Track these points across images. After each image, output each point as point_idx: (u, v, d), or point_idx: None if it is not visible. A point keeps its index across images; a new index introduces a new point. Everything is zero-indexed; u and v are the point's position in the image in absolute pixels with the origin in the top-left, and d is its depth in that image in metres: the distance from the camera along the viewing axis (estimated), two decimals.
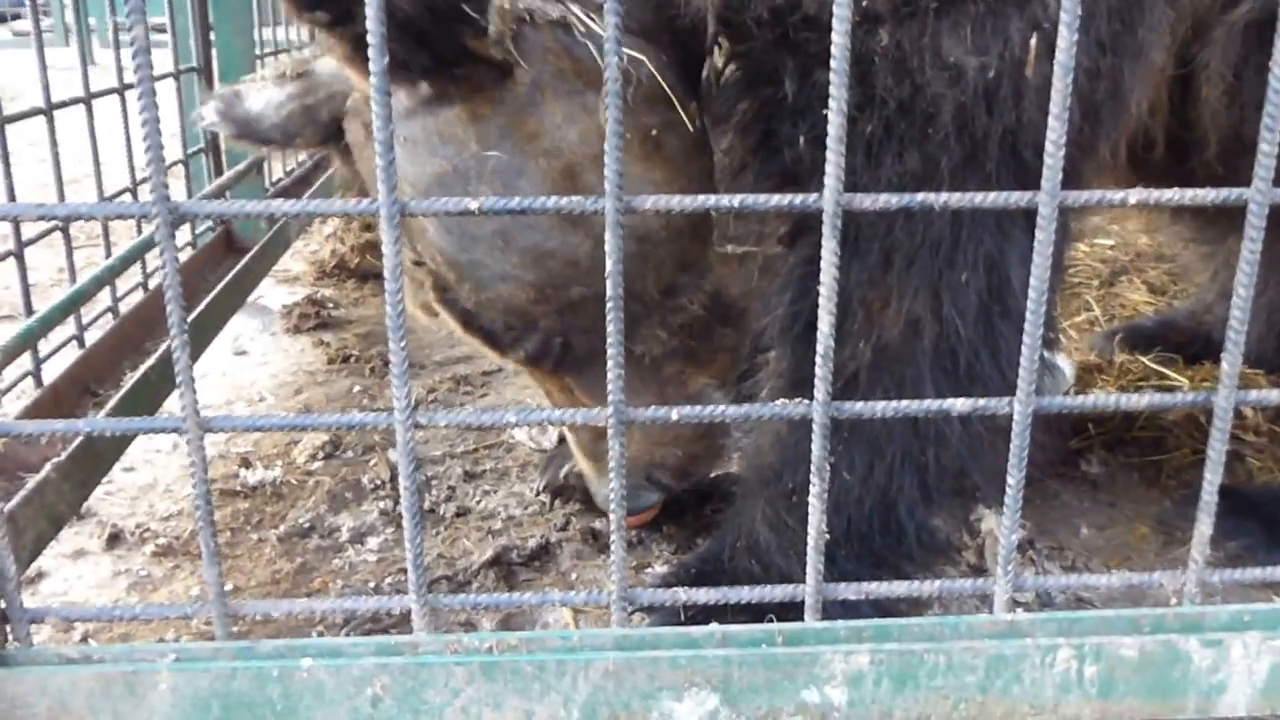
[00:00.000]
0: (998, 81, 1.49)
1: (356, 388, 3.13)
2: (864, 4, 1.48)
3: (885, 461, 1.70)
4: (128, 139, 2.52)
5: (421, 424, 1.06)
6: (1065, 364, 2.85)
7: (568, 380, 1.93)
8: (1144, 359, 3.03)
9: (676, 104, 1.69)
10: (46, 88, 2.07)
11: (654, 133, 1.69)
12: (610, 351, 1.04)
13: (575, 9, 1.62)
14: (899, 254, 1.61)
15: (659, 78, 1.66)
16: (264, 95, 1.80)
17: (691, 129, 1.73)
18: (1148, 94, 1.74)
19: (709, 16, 1.63)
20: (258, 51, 3.62)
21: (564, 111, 1.65)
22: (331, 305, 3.82)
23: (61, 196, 2.13)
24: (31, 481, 1.63)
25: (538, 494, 2.43)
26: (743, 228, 1.92)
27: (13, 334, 1.63)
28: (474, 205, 1.00)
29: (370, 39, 0.93)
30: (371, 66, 0.94)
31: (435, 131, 1.63)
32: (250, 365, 3.36)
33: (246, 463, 2.57)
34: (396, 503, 2.39)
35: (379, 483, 2.48)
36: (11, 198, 1.91)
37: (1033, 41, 1.46)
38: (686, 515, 2.32)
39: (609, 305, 1.02)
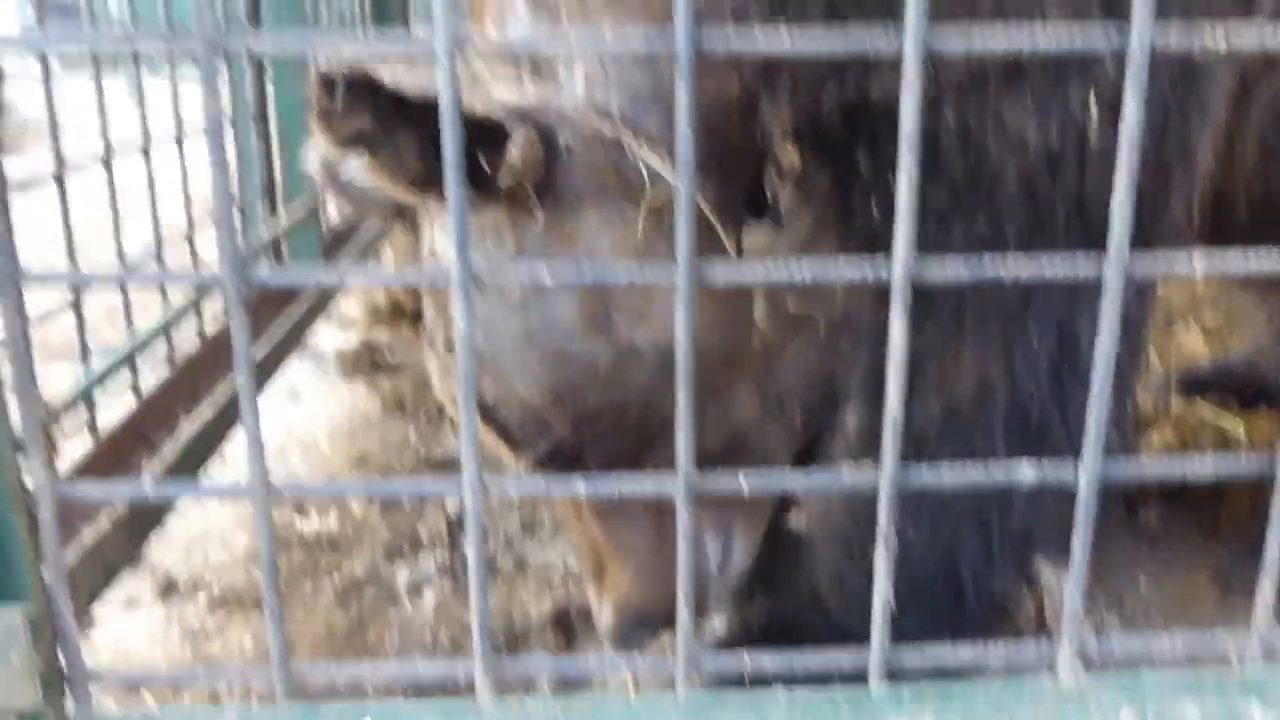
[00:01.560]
0: (1061, 149, 1.52)
1: (413, 435, 3.13)
2: (929, 92, 1.51)
3: (950, 523, 1.70)
4: (185, 184, 2.52)
5: (490, 490, 1.06)
6: None
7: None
8: (1201, 406, 3.01)
9: (720, 231, 1.72)
10: (107, 140, 2.09)
11: None
12: (681, 420, 1.04)
13: (629, 135, 1.64)
14: (970, 314, 1.63)
15: (703, 205, 1.67)
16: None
17: (735, 256, 1.76)
18: (1215, 149, 1.75)
19: (776, 134, 1.67)
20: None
21: (600, 219, 1.68)
22: (387, 349, 3.84)
23: (120, 248, 2.14)
24: (88, 534, 1.63)
25: None
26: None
27: (71, 389, 1.64)
28: (547, 276, 1.00)
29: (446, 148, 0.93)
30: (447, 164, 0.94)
31: (477, 226, 1.66)
32: (304, 410, 3.37)
33: (302, 510, 2.58)
34: (453, 555, 2.39)
35: (436, 534, 2.48)
36: (71, 251, 1.93)
37: (1093, 108, 1.48)
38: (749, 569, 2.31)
39: (679, 376, 1.02)
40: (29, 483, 1.00)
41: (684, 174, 0.96)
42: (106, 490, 1.06)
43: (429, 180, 1.52)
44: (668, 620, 1.89)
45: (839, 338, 2.01)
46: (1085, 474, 1.14)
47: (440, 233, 1.71)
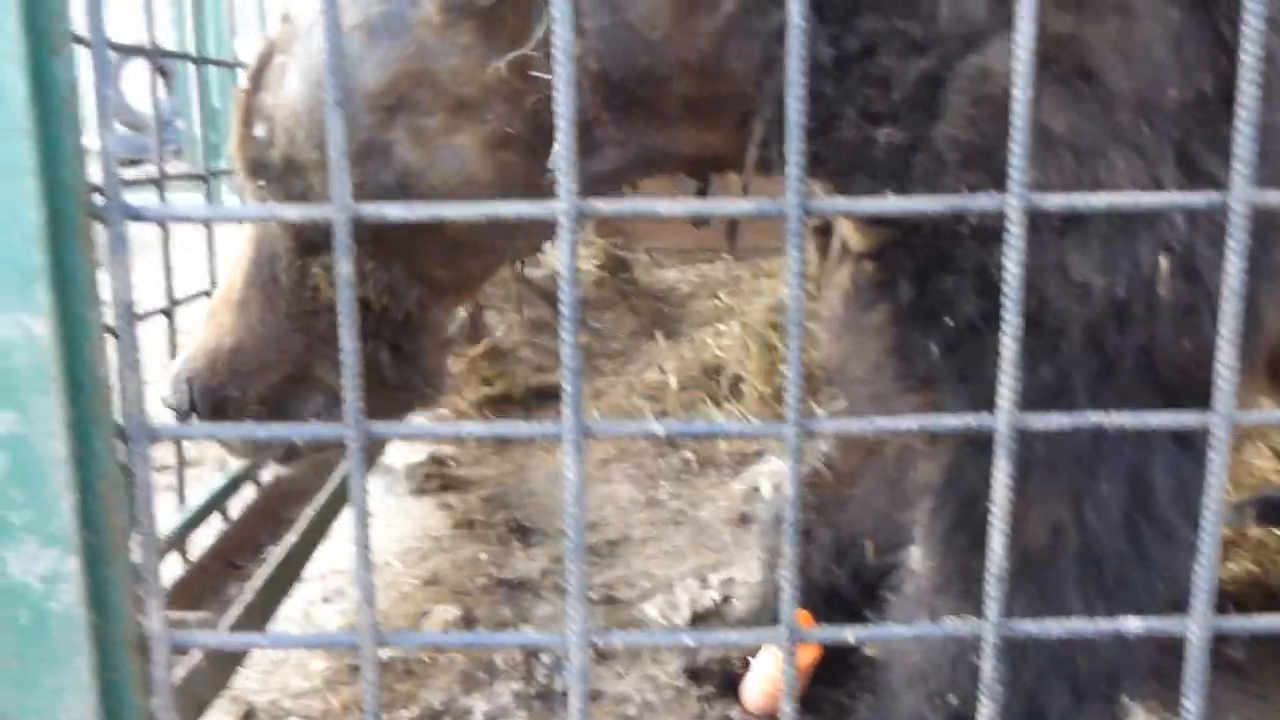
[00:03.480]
0: (1128, 299, 1.51)
1: (483, 555, 3.14)
2: (973, 221, 1.50)
3: (1032, 668, 1.67)
4: None
5: (597, 644, 1.06)
6: None
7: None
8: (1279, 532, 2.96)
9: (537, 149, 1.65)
10: (213, 276, 2.16)
11: (509, 133, 1.65)
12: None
13: None
14: (1038, 463, 1.60)
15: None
16: None
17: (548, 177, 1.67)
18: None
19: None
20: None
21: (469, 41, 1.61)
22: (454, 463, 3.85)
23: None
24: (181, 668, 1.65)
25: (674, 676, 2.40)
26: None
27: (176, 523, 1.68)
28: (660, 430, 1.01)
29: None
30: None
31: None
32: (376, 528, 3.38)
33: (386, 645, 2.58)
34: (529, 684, 2.38)
35: (512, 663, 2.46)
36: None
37: (1163, 261, 1.47)
38: (824, 704, 2.28)
39: (789, 521, 1.02)
40: (144, 627, 1.02)
41: (794, 335, 0.97)
42: (221, 640, 1.07)
43: None
44: (212, 406, 1.75)
45: (904, 472, 1.99)
46: (1195, 628, 1.12)
47: None
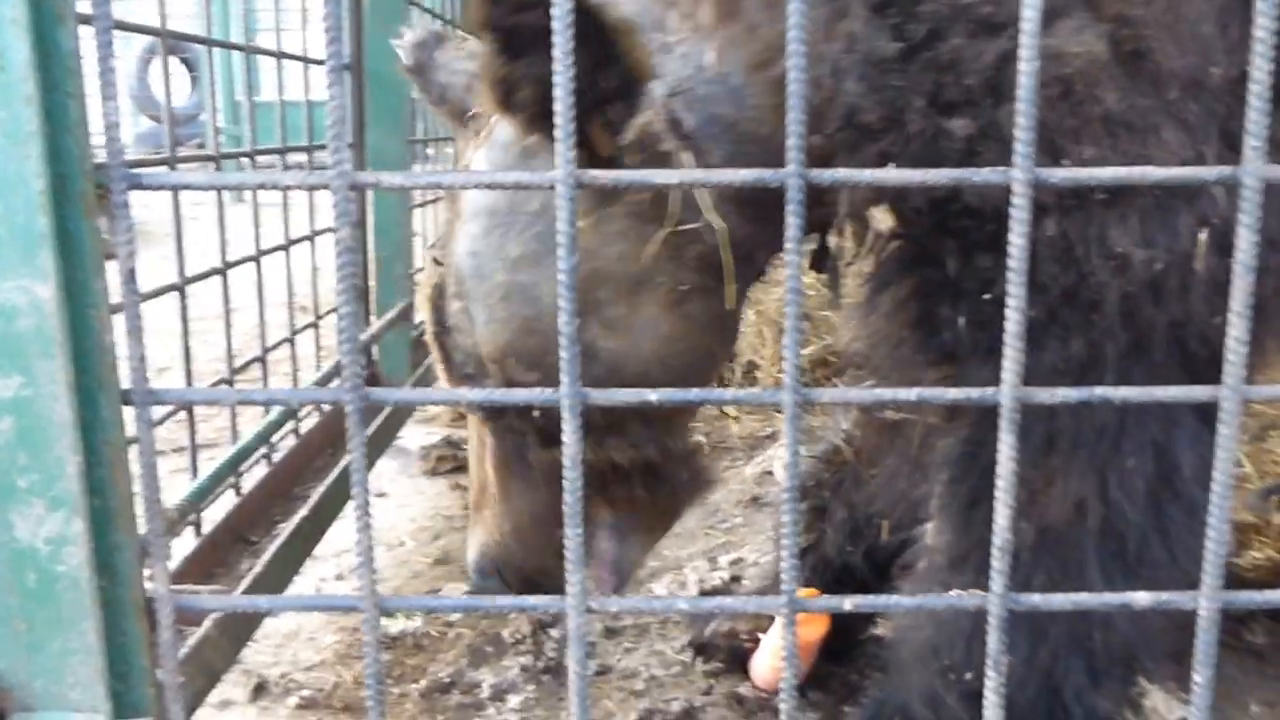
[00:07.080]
0: (1165, 273, 1.50)
1: None
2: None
3: (1049, 644, 1.66)
4: (289, 287, 2.62)
5: (594, 609, 1.06)
6: None
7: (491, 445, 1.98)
8: None
9: (727, 278, 1.76)
10: (224, 256, 2.18)
11: (684, 289, 1.75)
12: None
13: (687, 154, 1.68)
14: (1063, 437, 1.61)
15: (724, 252, 1.72)
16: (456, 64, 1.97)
17: (728, 306, 1.79)
18: None
19: (844, 214, 1.68)
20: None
21: (621, 226, 1.71)
22: (467, 446, 3.85)
23: (231, 361, 2.21)
24: (193, 638, 1.67)
25: (680, 651, 2.41)
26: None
27: (186, 492, 1.69)
28: (654, 396, 1.01)
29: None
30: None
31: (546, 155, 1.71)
32: (390, 508, 3.41)
33: (387, 612, 2.59)
34: (537, 658, 2.40)
35: (519, 637, 2.48)
36: (187, 362, 1.98)
37: (1202, 236, 1.47)
38: (833, 681, 2.28)
39: (787, 496, 1.02)
40: (149, 590, 1.03)
41: (793, 301, 0.97)
42: (224, 603, 1.08)
43: (542, 115, 1.54)
44: (521, 582, 1.98)
45: (925, 451, 1.98)
46: (1205, 602, 1.11)
47: (480, 154, 1.79)
